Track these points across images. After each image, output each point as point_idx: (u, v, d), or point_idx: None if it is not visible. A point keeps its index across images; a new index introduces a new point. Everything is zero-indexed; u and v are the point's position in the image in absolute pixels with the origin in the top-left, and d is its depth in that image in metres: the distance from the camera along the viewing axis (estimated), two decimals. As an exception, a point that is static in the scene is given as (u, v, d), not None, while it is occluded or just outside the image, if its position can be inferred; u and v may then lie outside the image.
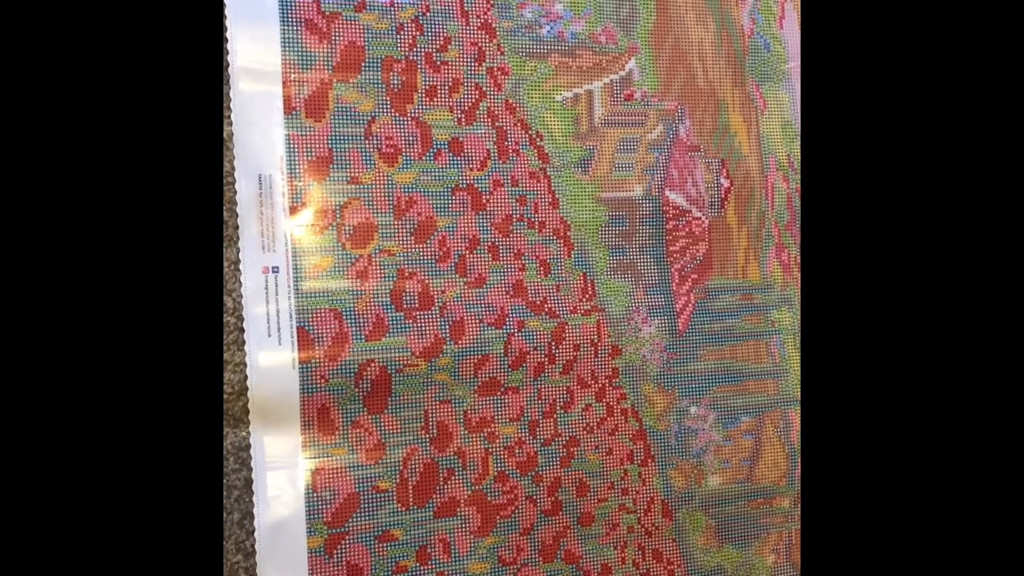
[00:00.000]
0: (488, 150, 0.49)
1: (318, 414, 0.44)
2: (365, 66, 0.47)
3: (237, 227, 0.43)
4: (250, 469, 0.43)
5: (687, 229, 0.54)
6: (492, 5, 0.50)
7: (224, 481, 0.42)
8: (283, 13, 0.45)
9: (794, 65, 0.56)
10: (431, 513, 0.46)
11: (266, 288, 0.44)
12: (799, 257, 0.54)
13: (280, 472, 0.43)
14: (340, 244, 0.46)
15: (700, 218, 0.54)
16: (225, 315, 0.44)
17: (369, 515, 0.45)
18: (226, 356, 0.43)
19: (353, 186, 0.46)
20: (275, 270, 0.44)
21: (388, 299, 0.46)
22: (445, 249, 0.48)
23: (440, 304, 0.47)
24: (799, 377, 0.53)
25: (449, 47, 0.49)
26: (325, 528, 0.44)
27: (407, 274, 0.47)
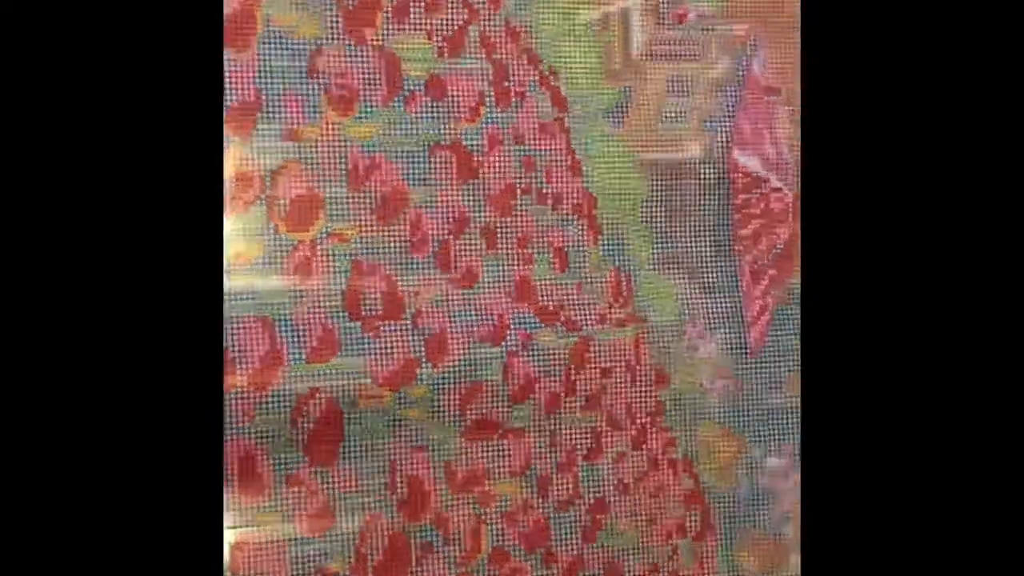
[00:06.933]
0: (481, 93, 0.47)
1: (240, 465, 0.43)
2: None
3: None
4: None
5: (763, 205, 0.52)
6: None
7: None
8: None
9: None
10: (401, 606, 0.46)
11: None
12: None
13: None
14: (272, 226, 0.45)
15: (781, 190, 0.53)
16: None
17: (314, 610, 0.45)
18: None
19: (290, 144, 0.45)
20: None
21: (339, 303, 0.45)
22: (420, 233, 0.46)
23: (413, 311, 0.46)
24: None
25: (427, -53, 0.48)
26: (252, 630, 0.44)
27: (366, 268, 0.45)
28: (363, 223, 0.46)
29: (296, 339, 0.44)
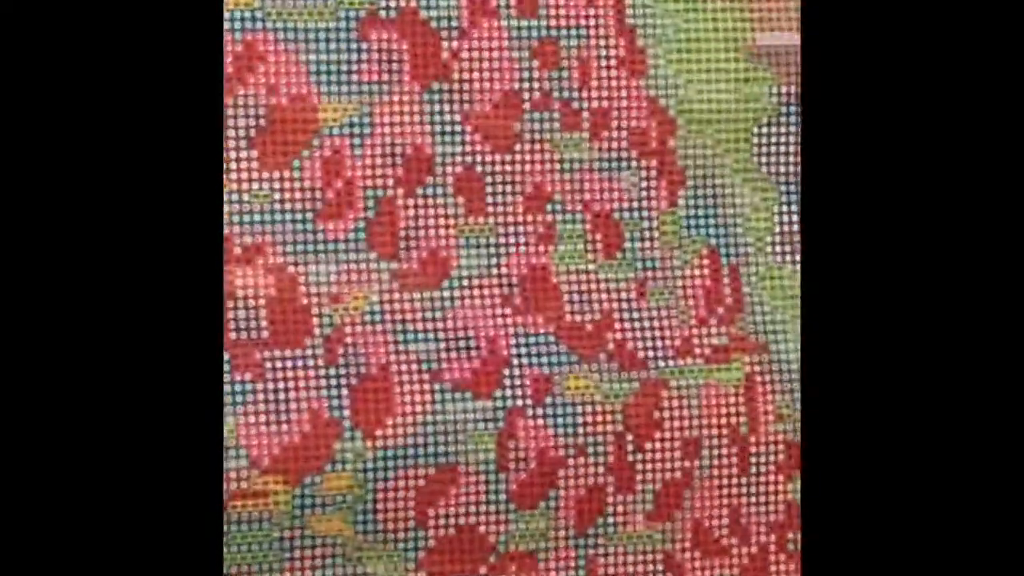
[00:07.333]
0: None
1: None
2: None
3: None
4: None
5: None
6: None
7: None
8: None
9: None
10: None
11: None
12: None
13: None
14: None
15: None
16: None
17: None
18: None
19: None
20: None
21: (186, 316, 0.37)
22: (341, 184, 0.35)
23: (326, 331, 0.35)
24: None
25: None
26: None
27: (239, 251, 0.35)
28: (236, 166, 0.34)
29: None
